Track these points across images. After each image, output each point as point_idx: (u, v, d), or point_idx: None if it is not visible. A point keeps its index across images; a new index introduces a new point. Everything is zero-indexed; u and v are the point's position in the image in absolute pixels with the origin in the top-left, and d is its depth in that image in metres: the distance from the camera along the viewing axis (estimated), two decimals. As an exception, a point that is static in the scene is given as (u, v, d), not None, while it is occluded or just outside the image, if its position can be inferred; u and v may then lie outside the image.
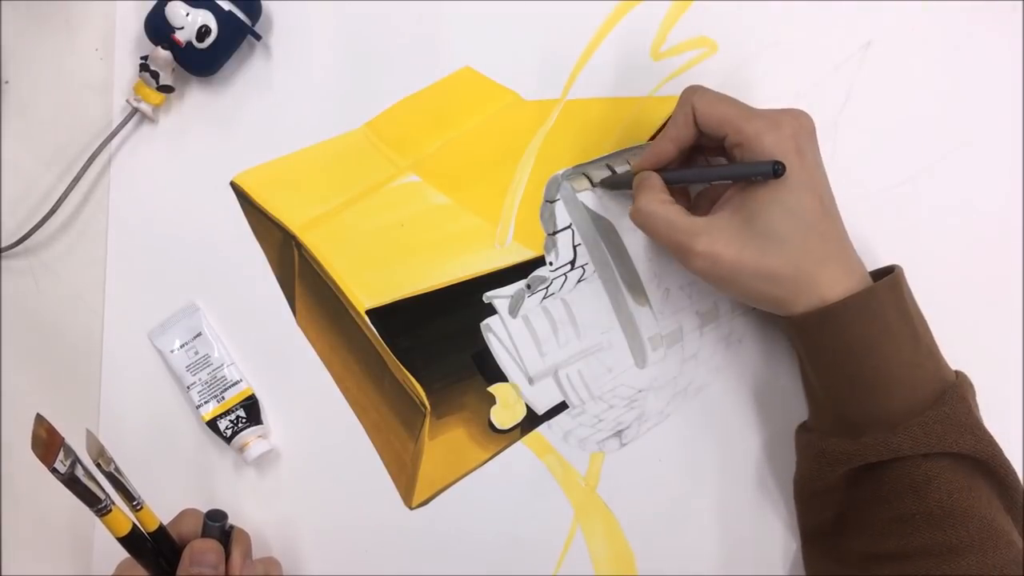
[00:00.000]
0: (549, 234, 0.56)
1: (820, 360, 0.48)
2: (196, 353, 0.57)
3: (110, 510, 0.45)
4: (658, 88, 0.57)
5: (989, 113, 0.55)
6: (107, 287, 0.59)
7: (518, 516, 0.56)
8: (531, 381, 0.56)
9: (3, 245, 0.58)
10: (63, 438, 0.43)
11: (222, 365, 0.57)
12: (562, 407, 0.56)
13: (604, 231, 0.56)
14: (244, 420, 0.56)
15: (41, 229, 0.58)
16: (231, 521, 0.52)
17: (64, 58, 0.60)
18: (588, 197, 0.56)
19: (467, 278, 0.56)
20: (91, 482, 0.44)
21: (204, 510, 0.51)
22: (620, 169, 0.56)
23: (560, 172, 0.57)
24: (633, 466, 0.55)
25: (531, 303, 0.56)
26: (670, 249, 0.50)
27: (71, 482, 0.43)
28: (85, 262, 0.59)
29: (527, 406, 0.56)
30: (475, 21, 0.58)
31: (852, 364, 0.46)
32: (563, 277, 0.56)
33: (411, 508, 0.56)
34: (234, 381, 0.57)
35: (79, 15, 0.60)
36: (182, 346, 0.57)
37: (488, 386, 0.56)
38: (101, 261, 0.59)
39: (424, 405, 0.56)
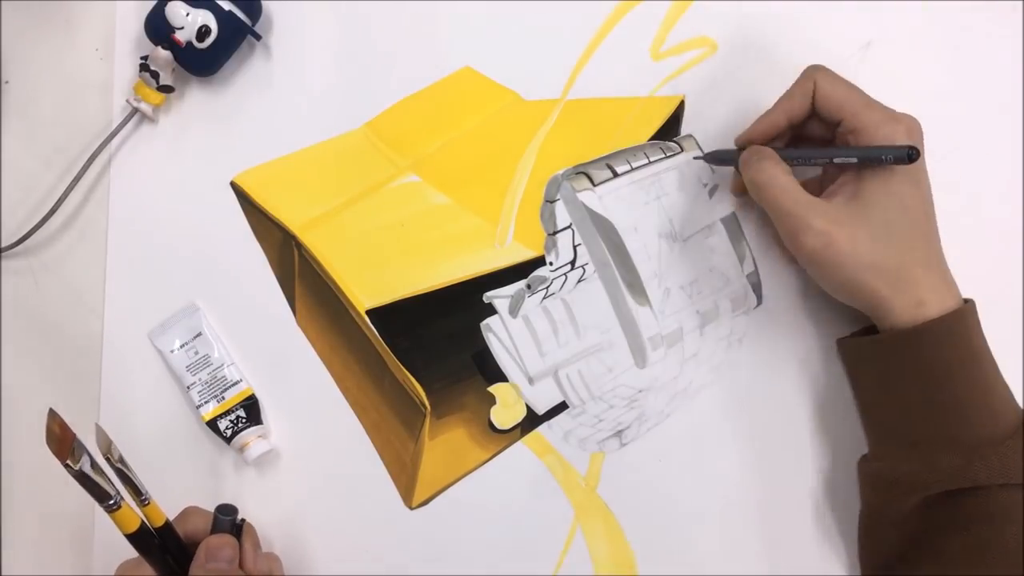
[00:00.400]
0: (549, 234, 0.56)
1: (900, 381, 0.47)
2: (196, 353, 0.57)
3: (120, 506, 0.45)
4: (658, 88, 0.57)
5: (989, 113, 0.55)
6: (107, 287, 0.59)
7: (518, 516, 0.56)
8: (531, 381, 0.56)
9: (3, 245, 0.58)
10: (75, 434, 0.43)
11: (222, 365, 0.57)
12: (562, 407, 0.56)
13: (604, 231, 0.56)
14: (244, 420, 0.56)
15: (41, 229, 0.58)
16: None
17: (64, 58, 0.60)
18: (588, 197, 0.56)
19: (467, 278, 0.56)
20: (102, 478, 0.44)
21: (205, 510, 0.51)
22: (620, 169, 0.56)
23: (560, 172, 0.57)
24: (633, 466, 0.55)
25: (531, 303, 0.56)
26: (782, 222, 0.48)
27: (82, 477, 0.43)
28: (85, 262, 0.59)
29: (527, 406, 0.56)
30: (475, 21, 0.58)
31: (935, 387, 0.46)
32: (563, 277, 0.56)
33: (411, 508, 0.56)
34: (234, 381, 0.57)
35: (79, 15, 0.60)
36: (182, 346, 0.57)
37: (488, 386, 0.56)
38: (101, 261, 0.59)
39: (424, 405, 0.56)
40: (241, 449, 0.56)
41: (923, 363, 0.46)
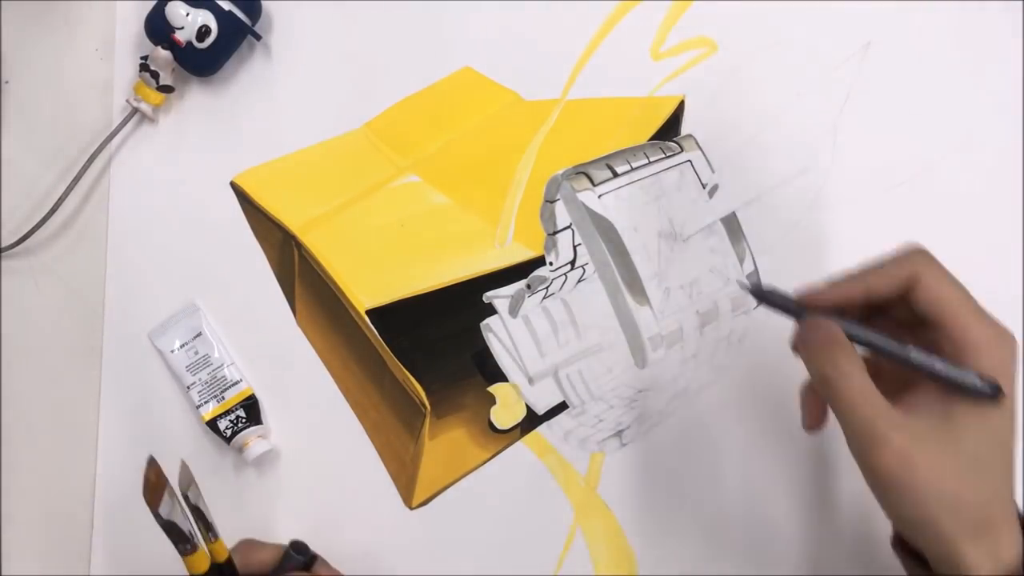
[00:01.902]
0: (549, 234, 0.56)
1: None
2: (196, 353, 0.57)
3: (196, 549, 0.44)
4: (658, 88, 0.57)
5: (989, 113, 0.55)
6: (107, 287, 0.59)
7: (518, 516, 0.56)
8: (531, 381, 0.56)
9: (3, 245, 0.58)
10: (168, 480, 0.43)
11: (222, 365, 0.57)
12: (562, 407, 0.56)
13: (604, 231, 0.56)
14: (244, 420, 0.56)
15: (41, 229, 0.58)
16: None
17: (64, 58, 0.60)
18: (588, 197, 0.56)
19: (467, 278, 0.56)
20: (184, 522, 0.43)
21: (260, 541, 0.50)
22: (620, 169, 0.56)
23: (560, 172, 0.57)
24: (633, 466, 0.55)
25: (531, 303, 0.56)
26: (853, 431, 0.41)
27: (169, 526, 0.42)
28: (85, 262, 0.59)
29: (527, 406, 0.56)
30: (475, 21, 0.58)
31: None
32: (563, 277, 0.56)
33: (411, 508, 0.56)
34: (234, 381, 0.57)
35: (79, 15, 0.60)
36: (182, 346, 0.57)
37: (488, 386, 0.56)
38: (101, 261, 0.59)
39: (424, 405, 0.56)
40: (241, 449, 0.56)
41: None
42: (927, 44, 0.56)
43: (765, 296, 0.45)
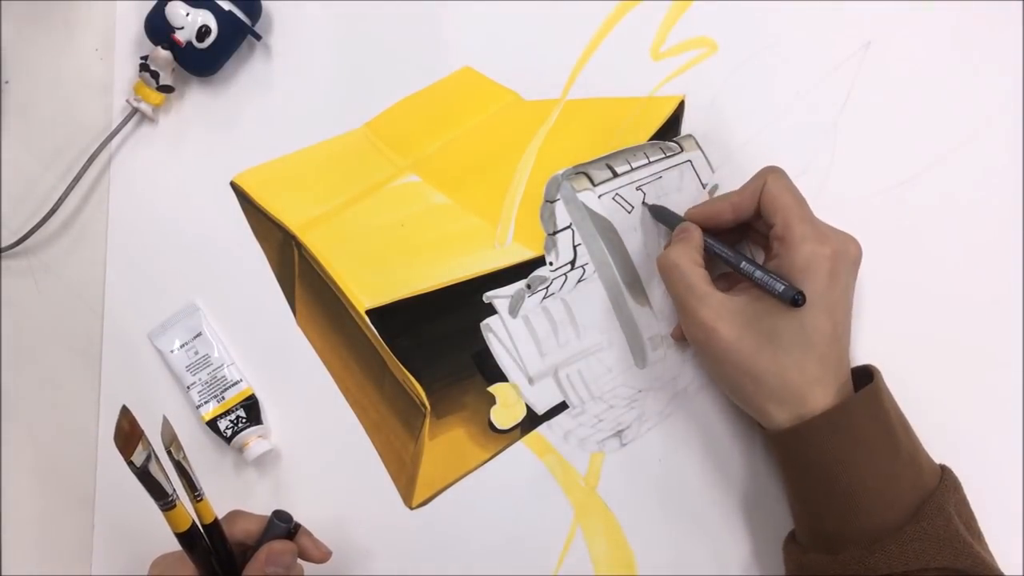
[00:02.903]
0: (549, 234, 0.56)
1: (796, 476, 0.48)
2: (196, 353, 0.57)
3: (175, 505, 0.44)
4: (658, 88, 0.57)
5: (989, 113, 0.55)
6: (107, 287, 0.59)
7: (518, 516, 0.56)
8: (531, 381, 0.56)
9: (3, 245, 0.58)
10: (143, 431, 0.43)
11: (222, 365, 0.57)
12: (562, 407, 0.56)
13: (604, 231, 0.56)
14: (244, 420, 0.56)
15: (41, 229, 0.58)
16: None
17: (64, 58, 0.60)
18: (588, 197, 0.56)
19: (467, 278, 0.56)
20: (161, 476, 0.43)
21: (250, 512, 0.51)
22: (620, 169, 0.56)
23: (560, 172, 0.57)
24: (633, 466, 0.55)
25: (531, 303, 0.56)
26: (677, 307, 0.50)
27: (144, 475, 0.43)
28: (85, 262, 0.59)
29: (527, 406, 0.56)
30: (475, 21, 0.58)
31: (827, 481, 0.45)
32: (563, 277, 0.56)
33: (411, 508, 0.56)
34: (234, 381, 0.57)
35: (79, 15, 0.60)
36: (182, 346, 0.57)
37: (488, 386, 0.56)
38: (101, 261, 0.59)
39: (424, 405, 0.56)
40: (241, 449, 0.56)
41: (805, 461, 0.46)
42: (927, 44, 0.56)
43: (656, 211, 0.55)
